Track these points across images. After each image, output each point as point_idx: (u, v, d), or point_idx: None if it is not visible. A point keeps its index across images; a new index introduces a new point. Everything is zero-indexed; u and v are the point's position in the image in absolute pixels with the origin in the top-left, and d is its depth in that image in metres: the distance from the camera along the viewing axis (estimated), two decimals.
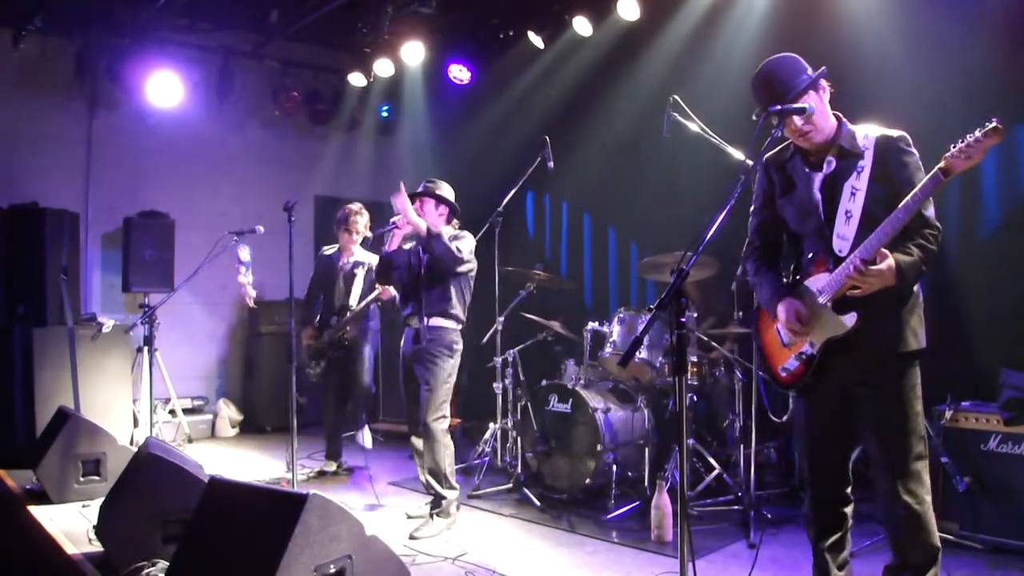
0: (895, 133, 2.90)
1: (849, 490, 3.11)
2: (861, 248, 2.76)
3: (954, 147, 2.57)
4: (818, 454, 3.11)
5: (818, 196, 2.97)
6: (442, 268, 4.84)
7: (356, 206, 6.18)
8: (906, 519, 2.87)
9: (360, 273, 6.12)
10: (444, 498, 4.83)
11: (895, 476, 2.87)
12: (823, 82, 2.96)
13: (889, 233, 2.70)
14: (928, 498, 2.89)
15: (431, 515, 4.82)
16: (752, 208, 3.29)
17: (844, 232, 2.88)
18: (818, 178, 2.99)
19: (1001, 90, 4.87)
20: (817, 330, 2.95)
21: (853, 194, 2.87)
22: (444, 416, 4.86)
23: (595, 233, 7.93)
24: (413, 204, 4.93)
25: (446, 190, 5.16)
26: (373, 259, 5.96)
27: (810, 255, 3.02)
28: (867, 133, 2.93)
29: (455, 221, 5.16)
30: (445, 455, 4.82)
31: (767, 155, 3.17)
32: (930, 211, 2.85)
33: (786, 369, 3.09)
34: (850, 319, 2.84)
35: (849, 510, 3.12)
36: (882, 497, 2.93)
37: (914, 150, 2.88)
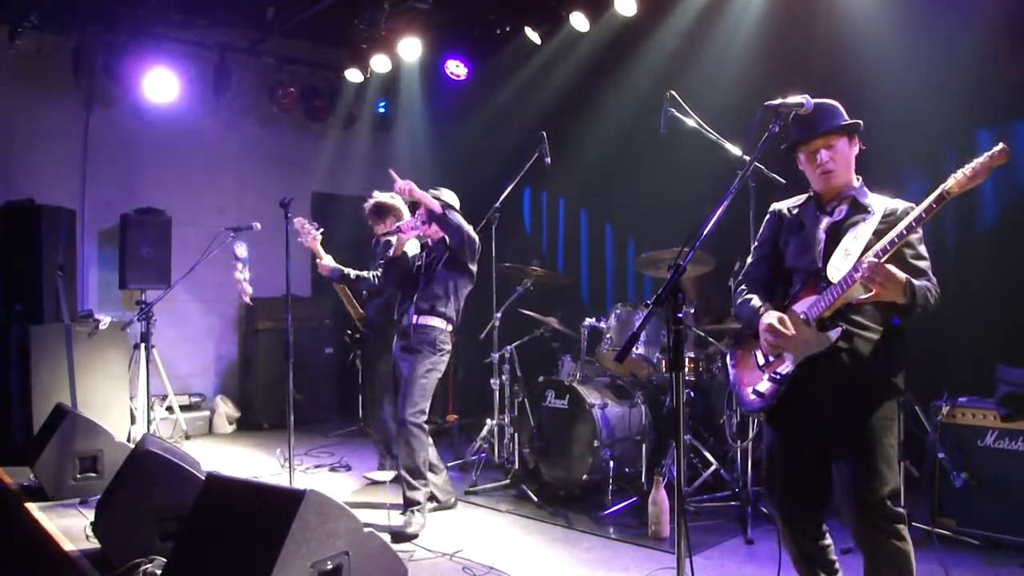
0: (902, 205, 2.94)
1: (824, 527, 3.07)
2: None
3: (960, 171, 2.61)
4: (793, 488, 3.04)
5: (822, 236, 3.01)
6: (456, 253, 4.91)
7: (366, 205, 6.03)
8: (875, 555, 2.82)
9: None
10: (415, 502, 4.78)
11: (866, 511, 2.81)
12: (857, 137, 3.03)
13: (889, 251, 2.72)
14: (900, 528, 2.81)
15: (407, 511, 4.77)
16: (755, 244, 3.32)
17: (840, 265, 2.89)
18: (826, 221, 3.04)
19: (998, 86, 4.87)
20: (796, 348, 2.94)
21: (856, 237, 2.91)
22: (422, 411, 4.85)
23: (592, 229, 7.93)
24: (417, 211, 4.99)
25: (448, 196, 5.15)
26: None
27: (800, 286, 3.03)
28: (879, 200, 3.00)
29: None
30: (419, 452, 4.82)
31: (782, 202, 3.23)
32: (931, 275, 2.88)
33: (757, 391, 3.05)
34: (834, 333, 2.84)
35: (826, 542, 3.07)
36: (854, 533, 2.87)
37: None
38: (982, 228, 5.21)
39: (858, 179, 3.06)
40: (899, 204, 2.95)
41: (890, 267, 2.69)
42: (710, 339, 5.50)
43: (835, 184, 3.02)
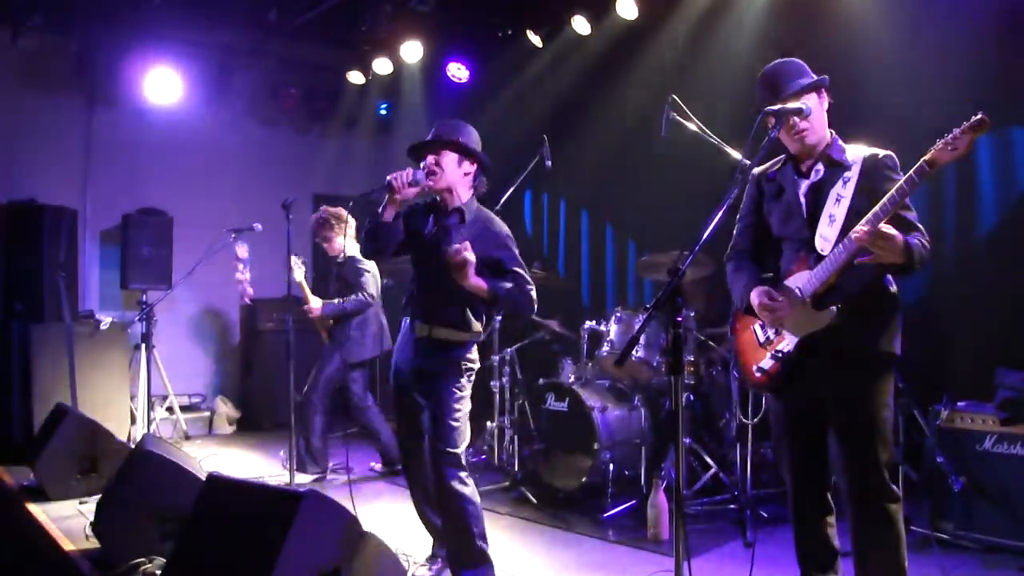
0: (882, 152, 2.95)
1: (830, 496, 3.10)
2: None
3: (941, 140, 2.62)
4: (796, 455, 3.11)
5: (802, 199, 3.02)
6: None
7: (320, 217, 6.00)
8: (870, 529, 2.86)
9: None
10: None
11: (860, 483, 2.86)
12: (824, 90, 3.02)
13: (875, 224, 2.71)
14: (894, 507, 2.87)
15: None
16: (739, 215, 3.32)
17: (827, 234, 2.91)
18: (804, 184, 3.04)
19: (998, 91, 4.88)
20: (795, 326, 2.96)
21: (838, 200, 2.91)
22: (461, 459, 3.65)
23: (593, 232, 7.93)
24: (426, 159, 3.67)
25: (469, 136, 3.78)
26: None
27: (790, 256, 3.05)
28: (856, 150, 2.99)
29: (483, 180, 3.81)
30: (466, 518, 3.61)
31: (758, 167, 3.21)
32: (920, 228, 2.87)
33: (761, 368, 3.09)
34: (827, 315, 2.86)
35: (831, 519, 3.11)
36: (847, 504, 2.92)
37: (900, 171, 2.91)
38: (981, 231, 5.21)
39: (831, 133, 3.05)
40: (878, 152, 2.95)
41: (887, 229, 2.67)
42: (710, 343, 5.50)
43: (810, 144, 3.01)
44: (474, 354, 3.76)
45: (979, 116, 2.55)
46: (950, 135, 2.59)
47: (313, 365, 6.17)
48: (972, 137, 2.57)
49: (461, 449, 3.62)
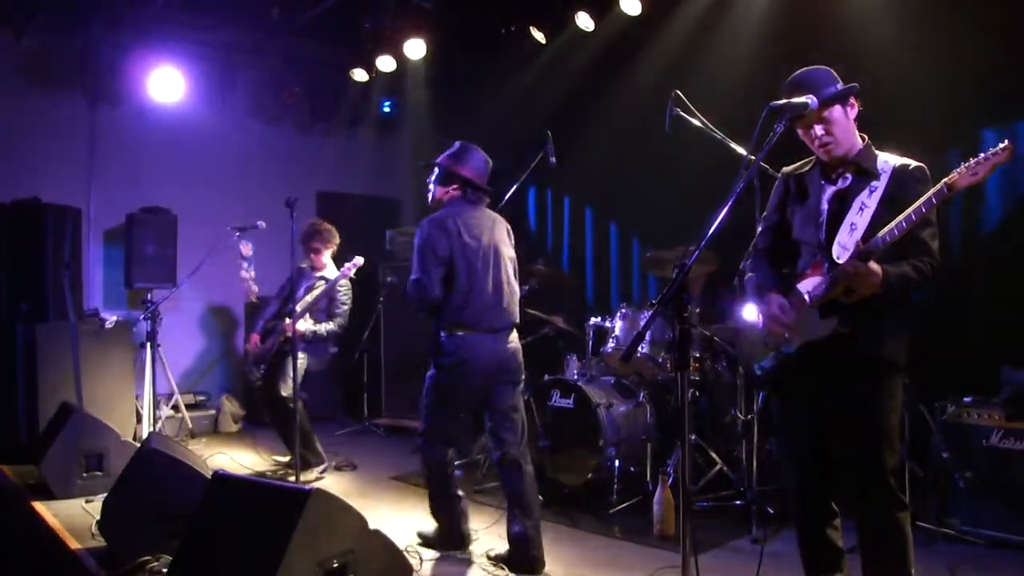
0: (912, 164, 2.92)
1: (834, 503, 3.09)
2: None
3: (964, 164, 2.60)
4: (799, 458, 3.09)
5: (825, 206, 3.00)
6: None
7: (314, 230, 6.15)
8: (877, 536, 2.85)
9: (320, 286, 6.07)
10: None
11: (866, 490, 2.84)
12: (852, 99, 2.97)
13: (888, 241, 2.71)
14: (902, 515, 2.85)
15: None
16: (764, 213, 3.32)
17: (846, 242, 2.88)
18: (830, 190, 3.02)
19: (1002, 86, 4.86)
20: (798, 331, 2.95)
21: (861, 209, 2.88)
22: (426, 441, 4.38)
23: (597, 228, 7.93)
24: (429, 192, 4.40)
25: (459, 158, 4.40)
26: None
27: (807, 261, 3.03)
28: (887, 159, 2.95)
29: (483, 196, 4.47)
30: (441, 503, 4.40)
31: (789, 168, 3.22)
32: (935, 243, 2.86)
33: (762, 367, 3.09)
34: (830, 324, 2.85)
35: (837, 522, 3.09)
36: (855, 510, 2.91)
37: (930, 184, 2.85)
38: (987, 228, 5.20)
39: (863, 140, 3.01)
40: (908, 163, 2.91)
41: (869, 267, 2.68)
42: (715, 339, 5.49)
43: (837, 154, 2.97)
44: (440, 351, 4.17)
45: (1004, 144, 2.54)
46: (973, 160, 2.58)
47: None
48: (995, 162, 2.55)
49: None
